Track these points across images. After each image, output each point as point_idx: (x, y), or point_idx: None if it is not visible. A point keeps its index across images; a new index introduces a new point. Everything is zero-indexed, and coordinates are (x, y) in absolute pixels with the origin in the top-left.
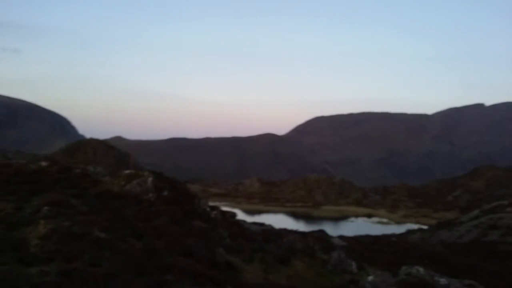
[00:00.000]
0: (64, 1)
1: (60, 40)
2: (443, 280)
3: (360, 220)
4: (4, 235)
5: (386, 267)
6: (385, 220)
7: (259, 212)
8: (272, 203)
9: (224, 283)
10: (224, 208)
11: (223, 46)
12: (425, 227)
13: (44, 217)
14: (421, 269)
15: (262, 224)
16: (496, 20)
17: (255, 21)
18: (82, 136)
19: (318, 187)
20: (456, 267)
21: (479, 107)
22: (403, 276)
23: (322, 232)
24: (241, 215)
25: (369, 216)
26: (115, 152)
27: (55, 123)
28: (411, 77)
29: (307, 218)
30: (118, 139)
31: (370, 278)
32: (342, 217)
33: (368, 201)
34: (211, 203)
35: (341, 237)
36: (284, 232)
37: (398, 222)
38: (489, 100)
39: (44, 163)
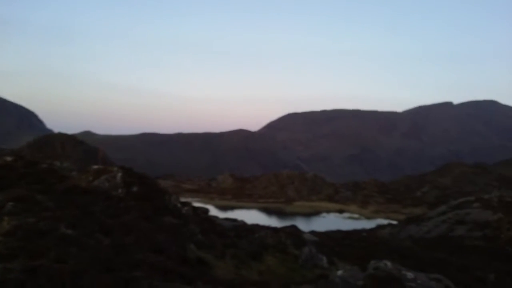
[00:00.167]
0: None
1: (29, 34)
2: (410, 274)
3: (332, 215)
4: None
5: (356, 261)
6: (356, 215)
7: (232, 208)
8: (244, 199)
9: (195, 279)
10: (197, 204)
11: (196, 41)
12: (394, 222)
13: (8, 213)
14: (389, 264)
15: (234, 220)
16: (465, 20)
17: (227, 17)
18: (50, 131)
19: (290, 183)
20: (424, 261)
21: (447, 105)
22: (371, 271)
23: (294, 227)
24: (213, 211)
25: (340, 211)
26: (84, 147)
27: (22, 117)
28: (382, 75)
29: (279, 213)
30: (88, 133)
31: (339, 272)
32: (314, 213)
33: (340, 196)
34: (183, 199)
35: (312, 233)
36: (256, 227)
37: (369, 218)
38: (457, 98)
39: (9, 158)
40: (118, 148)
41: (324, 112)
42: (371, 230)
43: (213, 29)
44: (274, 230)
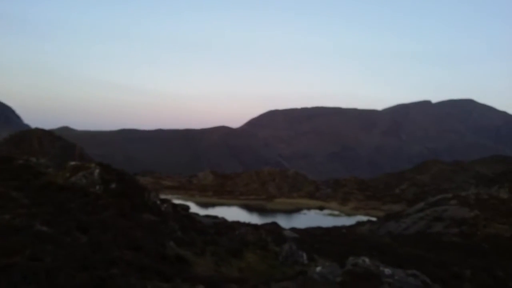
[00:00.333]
0: None
1: (4, 28)
2: (387, 270)
3: (313, 212)
4: None
5: (335, 258)
6: (336, 212)
7: (213, 205)
8: (225, 196)
9: (173, 276)
10: (177, 201)
11: (176, 37)
12: (374, 219)
13: None
14: (367, 260)
15: (215, 217)
16: (444, 20)
17: (208, 13)
18: (27, 126)
19: (271, 180)
20: (402, 257)
21: (426, 104)
22: (349, 267)
23: (274, 224)
24: (194, 208)
25: (321, 208)
26: (62, 143)
27: None
28: (363, 73)
29: (260, 210)
30: (65, 129)
31: (318, 269)
32: (295, 210)
33: (320, 193)
34: (164, 196)
35: (293, 229)
36: (236, 224)
37: (349, 214)
38: (435, 97)
39: None
40: (97, 144)
41: (305, 110)
42: (351, 226)
43: (193, 26)
44: (255, 227)
